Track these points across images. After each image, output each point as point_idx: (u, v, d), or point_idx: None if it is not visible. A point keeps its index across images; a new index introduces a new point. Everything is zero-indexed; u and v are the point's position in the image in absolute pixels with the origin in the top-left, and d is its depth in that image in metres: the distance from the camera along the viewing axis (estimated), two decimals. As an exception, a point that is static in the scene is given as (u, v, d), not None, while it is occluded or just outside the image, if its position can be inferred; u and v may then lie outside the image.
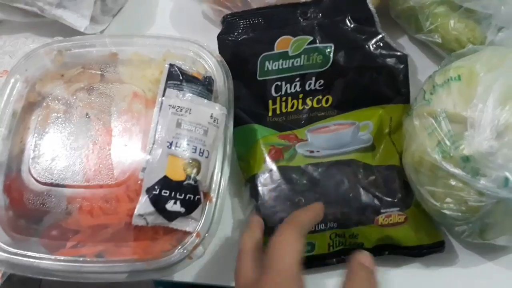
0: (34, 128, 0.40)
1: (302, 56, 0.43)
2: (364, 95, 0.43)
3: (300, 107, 0.43)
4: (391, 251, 0.40)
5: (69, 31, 0.54)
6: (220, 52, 0.43)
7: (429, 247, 0.39)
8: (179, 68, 0.40)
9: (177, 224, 0.36)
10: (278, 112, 0.43)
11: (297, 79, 0.43)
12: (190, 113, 0.38)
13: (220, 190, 0.37)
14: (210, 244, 0.38)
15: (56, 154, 0.38)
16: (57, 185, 0.37)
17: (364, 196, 0.40)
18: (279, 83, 0.43)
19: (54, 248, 0.38)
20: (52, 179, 0.38)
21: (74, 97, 0.40)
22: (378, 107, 0.43)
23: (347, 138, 0.42)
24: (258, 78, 0.43)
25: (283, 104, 0.43)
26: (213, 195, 0.37)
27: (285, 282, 0.29)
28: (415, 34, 0.48)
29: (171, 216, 0.35)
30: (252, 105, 0.44)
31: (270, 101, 0.43)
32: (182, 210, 0.35)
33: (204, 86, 0.40)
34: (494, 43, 0.42)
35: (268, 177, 0.41)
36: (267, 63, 0.43)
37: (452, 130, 0.35)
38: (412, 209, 0.40)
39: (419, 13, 0.46)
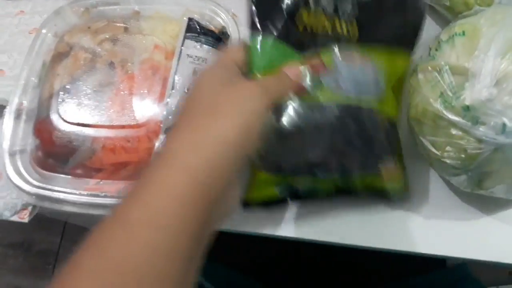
0: (63, 75, 0.43)
1: None
2: (390, 31, 0.40)
3: (329, 30, 0.38)
4: (372, 195, 0.41)
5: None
6: None
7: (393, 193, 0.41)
8: (197, 22, 0.43)
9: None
10: (309, 28, 0.38)
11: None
12: (205, 63, 0.41)
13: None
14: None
15: (83, 97, 0.42)
16: (83, 125, 0.41)
17: (372, 144, 0.38)
18: None
19: (79, 185, 0.42)
20: (78, 120, 0.41)
21: (100, 47, 0.44)
22: (389, 50, 0.39)
23: (368, 78, 0.38)
24: None
25: (316, 20, 0.38)
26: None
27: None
28: (424, -2, 0.49)
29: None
30: (282, 11, 0.37)
31: (304, 11, 0.38)
32: None
33: (219, 40, 0.43)
34: (501, 4, 0.43)
35: (288, 110, 0.36)
36: None
37: (454, 81, 0.37)
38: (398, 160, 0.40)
39: (429, -24, 0.47)
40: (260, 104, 0.30)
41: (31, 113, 0.45)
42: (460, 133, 0.36)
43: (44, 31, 0.47)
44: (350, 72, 0.37)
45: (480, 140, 0.35)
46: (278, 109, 0.35)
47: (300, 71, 0.36)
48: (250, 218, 0.42)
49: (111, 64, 0.42)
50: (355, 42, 0.38)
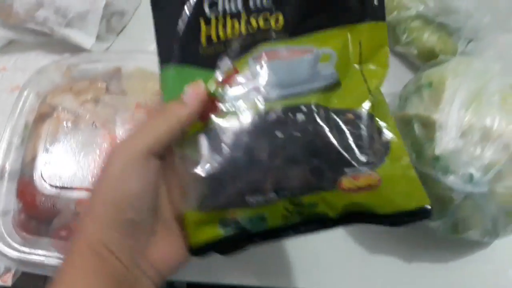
0: (46, 136, 0.44)
1: None
2: (325, 11, 0.32)
3: (243, 30, 0.32)
4: (362, 221, 0.31)
5: (76, 48, 0.58)
6: None
7: (411, 214, 0.30)
8: (177, 81, 0.44)
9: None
10: (214, 38, 0.32)
11: None
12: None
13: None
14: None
15: (66, 159, 0.42)
16: (67, 188, 0.41)
17: (323, 153, 0.30)
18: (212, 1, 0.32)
19: (63, 247, 0.42)
20: (62, 182, 0.41)
21: (82, 107, 0.44)
22: (343, 28, 0.32)
23: (304, 72, 0.32)
24: None
25: (220, 27, 0.32)
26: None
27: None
28: (393, 46, 0.52)
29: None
30: (178, 32, 0.32)
31: (202, 22, 0.32)
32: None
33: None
34: (464, 54, 0.46)
35: (203, 140, 0.31)
36: None
37: (424, 132, 0.39)
38: (387, 165, 0.30)
39: (396, 27, 0.50)
40: (114, 167, 0.27)
41: (14, 174, 0.45)
42: (433, 181, 0.38)
43: (26, 91, 0.48)
44: (271, 72, 0.31)
45: (451, 189, 0.37)
46: (186, 141, 0.30)
47: (202, 89, 0.30)
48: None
49: (94, 125, 0.43)
50: (286, 33, 0.32)
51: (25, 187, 0.43)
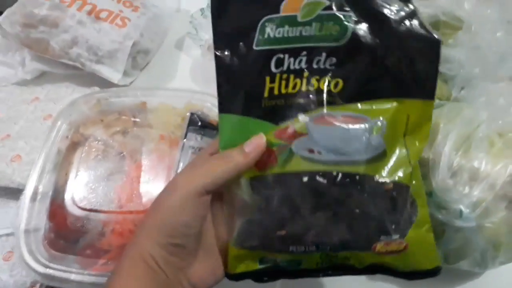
0: (78, 163, 0.48)
1: (314, 24, 0.33)
2: (382, 82, 0.34)
3: (304, 89, 0.34)
4: (383, 273, 0.36)
5: (103, 82, 0.64)
6: (211, 11, 0.34)
7: (425, 273, 0.35)
8: (198, 116, 0.49)
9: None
10: (276, 92, 0.34)
11: (304, 52, 0.34)
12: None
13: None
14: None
15: (95, 185, 0.47)
16: (95, 211, 0.45)
17: (365, 218, 0.33)
18: (281, 55, 0.34)
19: (88, 265, 0.45)
20: (91, 206, 0.46)
21: (111, 138, 0.49)
22: (394, 100, 0.34)
23: (356, 141, 0.34)
24: (255, 48, 0.34)
25: (283, 82, 0.34)
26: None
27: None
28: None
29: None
30: (244, 84, 0.34)
31: (267, 78, 0.34)
32: None
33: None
34: (457, 99, 0.51)
35: (257, 186, 0.34)
36: (268, 29, 0.33)
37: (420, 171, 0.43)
38: (412, 233, 0.34)
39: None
40: (173, 198, 0.32)
41: (46, 196, 0.49)
42: (427, 215, 0.42)
43: (59, 121, 0.53)
44: (326, 136, 0.34)
45: (443, 223, 0.41)
46: (238, 185, 0.34)
47: (263, 142, 0.33)
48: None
49: (122, 154, 0.48)
50: (343, 97, 0.34)
51: (56, 208, 0.47)
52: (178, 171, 0.45)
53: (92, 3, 0.65)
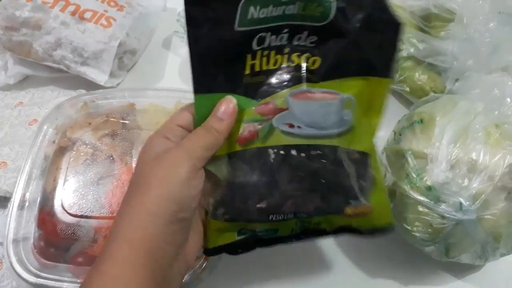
0: (66, 168, 0.47)
1: (298, 3, 0.33)
2: (352, 62, 0.36)
3: (285, 64, 0.35)
4: (348, 233, 0.38)
5: (89, 84, 0.62)
6: None
7: (383, 229, 0.38)
8: (189, 116, 0.48)
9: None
10: (257, 68, 0.34)
11: (286, 30, 0.34)
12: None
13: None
14: (219, 265, 0.43)
15: (85, 190, 0.45)
16: (86, 217, 0.44)
17: (337, 187, 0.36)
18: (263, 34, 0.33)
19: (80, 273, 0.44)
20: (81, 212, 0.44)
21: (100, 142, 0.48)
22: (361, 78, 0.36)
23: (333, 116, 0.36)
24: (238, 28, 0.32)
25: (264, 59, 0.34)
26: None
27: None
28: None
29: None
30: (225, 63, 0.33)
31: (249, 56, 0.34)
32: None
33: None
34: (452, 91, 0.51)
35: (236, 161, 0.35)
36: (251, 8, 0.32)
37: (417, 165, 0.42)
38: (374, 196, 0.37)
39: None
40: (182, 171, 0.31)
41: (34, 203, 0.47)
42: (425, 210, 0.41)
43: (45, 125, 0.51)
44: (306, 111, 0.35)
45: (442, 216, 0.40)
46: (217, 160, 0.34)
47: (233, 103, 0.33)
48: None
49: (111, 158, 0.47)
50: (319, 74, 0.36)
51: (45, 216, 0.45)
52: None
53: (76, 3, 0.63)
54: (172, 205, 0.31)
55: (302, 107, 0.35)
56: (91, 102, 0.53)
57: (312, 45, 0.35)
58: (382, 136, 0.50)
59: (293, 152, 0.35)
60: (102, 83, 0.61)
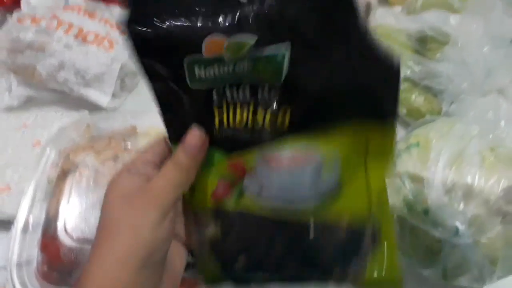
0: (68, 192, 0.48)
1: (246, 63, 0.28)
2: (336, 107, 0.30)
3: (251, 120, 0.31)
4: None
5: (92, 105, 0.63)
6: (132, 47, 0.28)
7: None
8: (190, 140, 0.49)
9: (189, 273, 0.43)
10: (225, 125, 0.31)
11: (246, 85, 0.30)
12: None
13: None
14: None
15: (88, 213, 0.46)
16: (89, 241, 0.44)
17: (317, 259, 0.32)
18: (221, 90, 0.30)
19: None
20: (85, 235, 0.45)
21: (102, 165, 0.49)
22: (350, 123, 0.30)
23: (305, 189, 0.31)
24: (191, 87, 0.29)
25: (231, 114, 0.31)
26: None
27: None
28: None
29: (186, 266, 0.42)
30: (192, 116, 0.31)
31: (215, 109, 0.31)
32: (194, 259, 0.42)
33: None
34: (448, 113, 0.51)
35: (211, 218, 0.34)
36: (196, 69, 0.28)
37: (414, 188, 0.43)
38: (370, 266, 0.32)
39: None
40: (152, 215, 0.30)
41: (37, 227, 0.48)
42: (422, 233, 0.42)
43: (48, 148, 0.52)
44: (273, 182, 0.31)
45: (439, 240, 0.41)
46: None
47: (200, 139, 0.31)
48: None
49: (113, 182, 0.47)
50: (294, 127, 0.30)
51: (48, 240, 0.46)
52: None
53: (79, 26, 0.65)
54: (142, 251, 0.29)
55: (268, 176, 0.31)
56: (93, 125, 0.55)
57: (277, 97, 0.30)
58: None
59: (267, 223, 0.32)
60: (104, 105, 0.62)
